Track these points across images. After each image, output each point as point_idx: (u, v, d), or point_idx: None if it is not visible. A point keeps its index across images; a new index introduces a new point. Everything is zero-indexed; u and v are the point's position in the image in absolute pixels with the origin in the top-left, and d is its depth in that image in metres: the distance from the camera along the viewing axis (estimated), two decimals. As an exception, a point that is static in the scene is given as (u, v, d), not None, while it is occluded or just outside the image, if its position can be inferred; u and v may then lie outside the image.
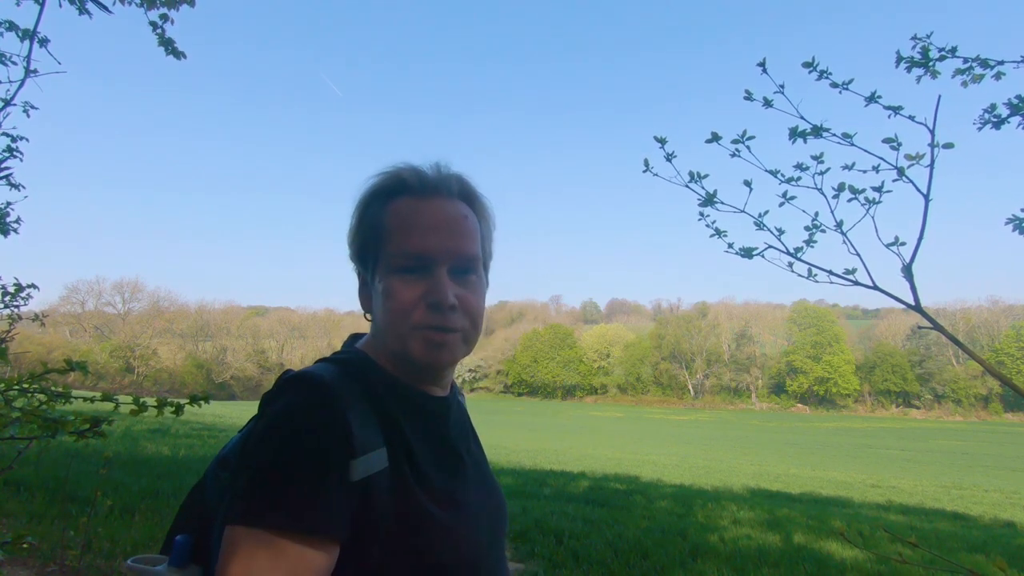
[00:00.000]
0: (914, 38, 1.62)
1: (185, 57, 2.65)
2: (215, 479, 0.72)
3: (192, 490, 0.77)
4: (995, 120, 1.57)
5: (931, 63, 1.61)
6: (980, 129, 1.59)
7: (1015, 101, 1.52)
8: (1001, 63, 1.58)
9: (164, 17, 2.49)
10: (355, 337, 0.86)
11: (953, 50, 1.59)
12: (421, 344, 0.74)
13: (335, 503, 0.61)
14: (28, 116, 2.86)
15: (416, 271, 0.74)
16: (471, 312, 0.77)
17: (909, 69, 1.64)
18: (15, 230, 3.32)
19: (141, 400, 1.50)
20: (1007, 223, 1.60)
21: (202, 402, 1.57)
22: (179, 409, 1.57)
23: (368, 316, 0.82)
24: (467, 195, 0.82)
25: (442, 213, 0.77)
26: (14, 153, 2.93)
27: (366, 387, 0.72)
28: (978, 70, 1.58)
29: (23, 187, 3.04)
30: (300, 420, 0.63)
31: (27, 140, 3.00)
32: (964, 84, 1.61)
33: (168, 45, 2.57)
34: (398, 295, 0.74)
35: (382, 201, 0.79)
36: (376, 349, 0.79)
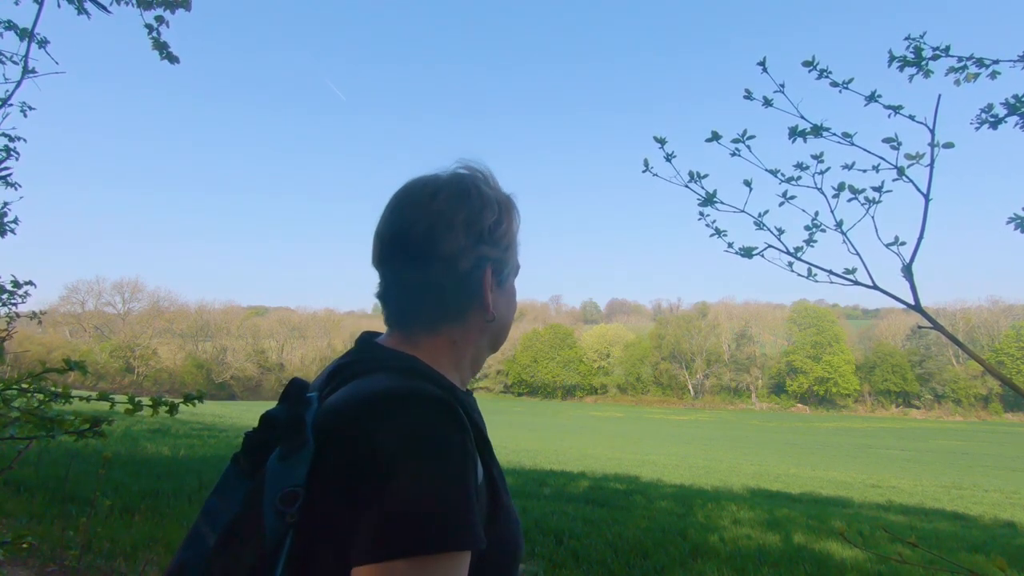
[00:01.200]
0: (907, 38, 1.62)
1: (179, 62, 2.65)
2: (278, 519, 0.62)
3: (229, 535, 0.64)
4: (992, 120, 1.57)
5: (924, 62, 1.61)
6: (978, 129, 1.59)
7: (1012, 101, 1.52)
8: (996, 62, 1.58)
9: (160, 19, 2.48)
10: (370, 334, 0.82)
11: (946, 49, 1.59)
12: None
13: (479, 514, 0.62)
14: (25, 116, 2.87)
15: None
16: None
17: (902, 68, 1.63)
18: (12, 230, 3.33)
19: (136, 399, 1.50)
20: (1009, 222, 1.60)
21: (197, 401, 1.57)
22: (173, 408, 1.57)
23: (489, 313, 0.80)
24: None
25: None
26: (11, 153, 2.94)
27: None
28: (973, 69, 1.58)
29: (19, 186, 3.05)
30: (448, 437, 0.61)
31: (24, 140, 3.00)
32: (957, 83, 1.61)
33: (162, 49, 2.57)
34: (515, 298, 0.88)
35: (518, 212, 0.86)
36: (434, 353, 0.77)
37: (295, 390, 0.69)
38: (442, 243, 0.74)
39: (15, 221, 3.32)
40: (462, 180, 0.79)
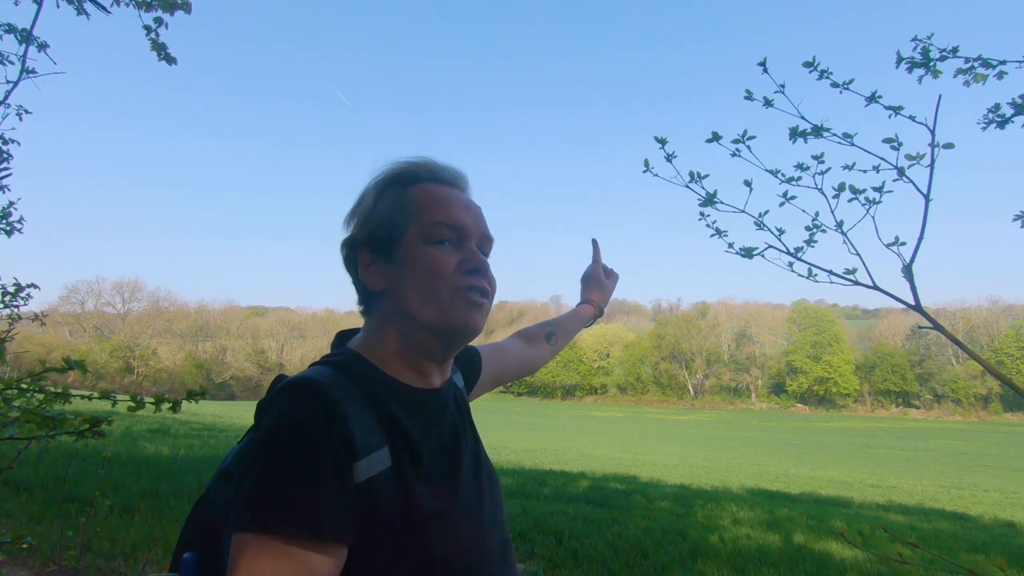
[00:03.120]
0: (915, 39, 1.62)
1: (176, 63, 2.64)
2: (218, 493, 0.72)
3: (196, 505, 0.76)
4: (999, 119, 1.57)
5: (932, 63, 1.60)
6: (984, 128, 1.58)
7: (1019, 100, 1.52)
8: (1003, 63, 1.58)
9: (158, 21, 2.48)
10: (343, 335, 0.85)
11: (954, 50, 1.59)
12: (463, 306, 0.77)
13: (339, 506, 0.61)
14: (20, 119, 2.87)
15: (452, 243, 0.79)
16: (493, 286, 0.82)
17: (910, 69, 1.63)
18: (19, 230, 3.36)
19: (139, 397, 1.50)
20: (1015, 219, 1.60)
21: (198, 397, 1.57)
22: (176, 405, 1.57)
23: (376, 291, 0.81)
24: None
25: (466, 198, 0.84)
26: (2, 155, 2.95)
27: (364, 387, 0.71)
28: (980, 70, 1.58)
29: (9, 188, 3.08)
30: (301, 424, 0.62)
31: (18, 143, 3.02)
32: (967, 84, 1.61)
33: (161, 50, 2.56)
34: (440, 262, 0.77)
35: (401, 186, 0.81)
36: (372, 344, 0.79)
37: (272, 384, 0.76)
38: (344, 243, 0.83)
39: (20, 220, 3.35)
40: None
